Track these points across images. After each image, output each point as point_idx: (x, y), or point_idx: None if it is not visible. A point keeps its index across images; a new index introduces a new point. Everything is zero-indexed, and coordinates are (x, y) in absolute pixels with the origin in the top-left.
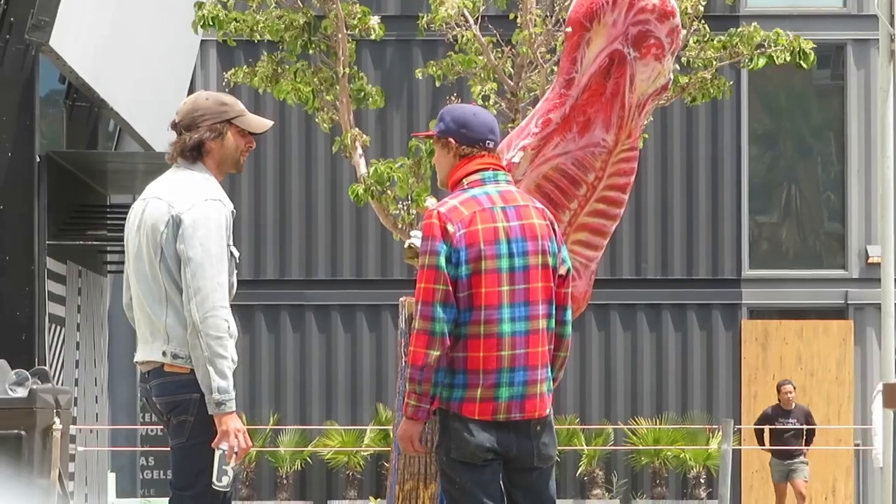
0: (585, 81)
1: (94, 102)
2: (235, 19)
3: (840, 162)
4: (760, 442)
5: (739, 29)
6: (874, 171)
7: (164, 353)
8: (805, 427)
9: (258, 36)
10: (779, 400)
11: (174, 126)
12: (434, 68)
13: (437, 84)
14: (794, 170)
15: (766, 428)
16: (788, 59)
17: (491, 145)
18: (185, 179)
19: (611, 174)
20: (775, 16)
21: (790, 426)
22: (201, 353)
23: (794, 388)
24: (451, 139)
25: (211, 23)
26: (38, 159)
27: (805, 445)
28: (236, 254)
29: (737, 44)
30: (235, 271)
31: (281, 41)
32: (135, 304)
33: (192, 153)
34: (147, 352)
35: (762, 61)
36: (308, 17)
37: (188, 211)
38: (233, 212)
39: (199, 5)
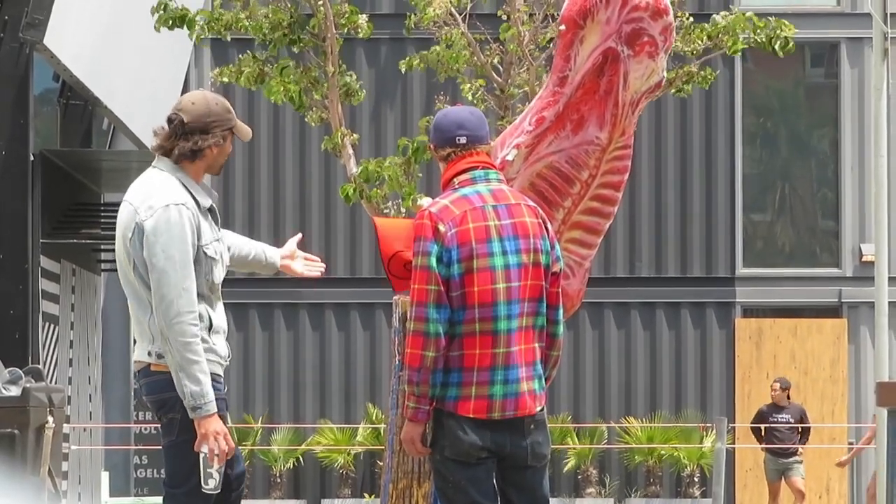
0: (579, 79)
1: (88, 101)
2: (205, 18)
3: (834, 160)
4: (759, 440)
5: (722, 13)
6: (868, 170)
7: (149, 353)
8: (800, 425)
9: (229, 34)
10: (772, 397)
11: (180, 124)
12: (417, 61)
13: (412, 70)
14: (788, 168)
15: (763, 426)
16: (763, 40)
17: (462, 140)
18: (154, 184)
19: (604, 172)
20: (769, 14)
21: (782, 423)
22: (171, 359)
23: (780, 387)
24: (431, 145)
25: (178, 25)
26: (31, 157)
27: (801, 443)
28: (215, 254)
29: (719, 33)
30: (218, 269)
31: (266, 40)
32: (129, 303)
33: (190, 156)
34: (138, 351)
35: (741, 45)
36: (294, 17)
37: (150, 218)
38: (212, 207)
39: (163, 6)
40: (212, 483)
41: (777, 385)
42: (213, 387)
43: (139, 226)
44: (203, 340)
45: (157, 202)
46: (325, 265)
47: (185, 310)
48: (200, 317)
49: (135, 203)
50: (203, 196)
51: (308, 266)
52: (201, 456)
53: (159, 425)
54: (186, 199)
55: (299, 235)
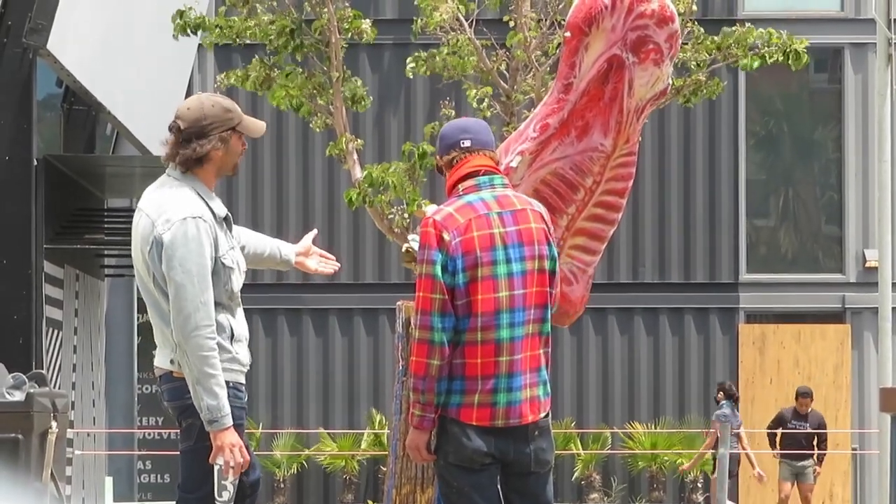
0: (584, 86)
1: (91, 106)
2: (219, 26)
3: (837, 165)
4: (772, 443)
5: (733, 28)
6: (871, 175)
7: (171, 361)
8: (818, 431)
9: (239, 41)
10: (796, 404)
11: (177, 131)
12: (422, 67)
13: (418, 73)
14: (792, 173)
15: (779, 431)
16: (781, 59)
17: (466, 144)
18: (171, 195)
19: (609, 179)
20: (772, 19)
21: (801, 430)
22: (189, 372)
23: (812, 401)
24: (436, 157)
25: (193, 32)
26: (35, 163)
27: (818, 449)
28: (232, 263)
29: (730, 45)
30: (236, 277)
31: (272, 47)
32: (148, 310)
33: (195, 163)
34: (159, 358)
35: (756, 63)
36: (296, 24)
37: (167, 232)
38: (227, 215)
39: (180, 14)
40: (226, 495)
41: (809, 400)
42: (236, 395)
43: (157, 239)
44: (226, 350)
45: (174, 215)
46: (339, 264)
47: (203, 323)
48: (222, 327)
49: (152, 215)
50: (218, 204)
51: (322, 263)
52: (216, 468)
53: (178, 430)
54: (203, 210)
55: (315, 232)
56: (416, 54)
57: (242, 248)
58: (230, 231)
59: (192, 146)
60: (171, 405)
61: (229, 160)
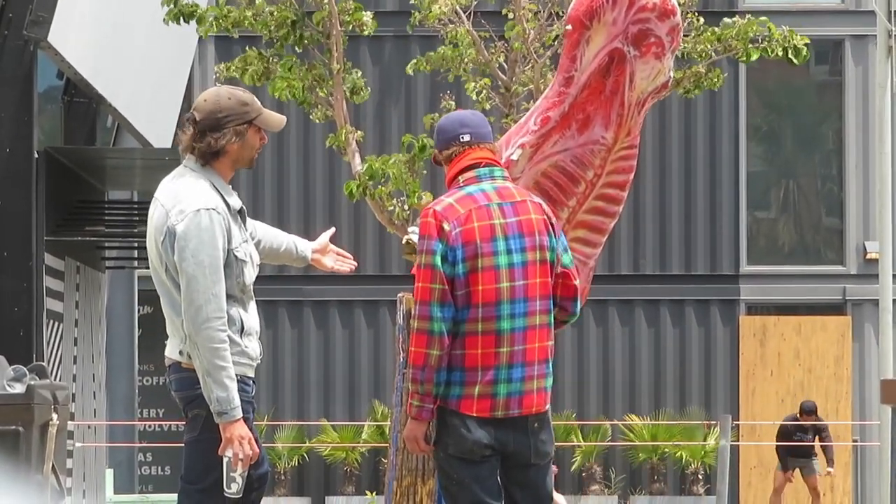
0: (585, 79)
1: (92, 98)
2: (214, 15)
3: (838, 158)
4: (777, 453)
5: (734, 19)
6: (872, 167)
7: (181, 353)
8: (816, 422)
9: (236, 31)
10: (801, 418)
11: (193, 122)
12: (424, 64)
13: (425, 70)
14: (793, 166)
15: (781, 429)
16: (781, 54)
17: (466, 138)
18: (186, 186)
19: (610, 172)
20: (773, 11)
21: (807, 441)
22: (199, 364)
23: (816, 416)
24: (435, 151)
25: (185, 20)
26: (36, 155)
27: (815, 442)
28: (245, 256)
29: (729, 37)
30: (248, 270)
31: (272, 37)
32: (161, 301)
33: (211, 156)
34: (169, 348)
35: (755, 55)
36: (298, 15)
37: (181, 223)
38: (241, 208)
39: (172, 0)
40: (234, 487)
41: (813, 417)
42: (244, 389)
43: (170, 230)
44: (235, 343)
45: (188, 206)
46: (356, 263)
47: (214, 315)
48: (233, 320)
49: (167, 206)
50: (233, 197)
51: (339, 261)
52: (225, 460)
53: (182, 421)
54: (217, 202)
55: (332, 230)
56: (418, 59)
57: (258, 244)
58: (244, 224)
59: (207, 139)
60: (179, 395)
61: (245, 153)
